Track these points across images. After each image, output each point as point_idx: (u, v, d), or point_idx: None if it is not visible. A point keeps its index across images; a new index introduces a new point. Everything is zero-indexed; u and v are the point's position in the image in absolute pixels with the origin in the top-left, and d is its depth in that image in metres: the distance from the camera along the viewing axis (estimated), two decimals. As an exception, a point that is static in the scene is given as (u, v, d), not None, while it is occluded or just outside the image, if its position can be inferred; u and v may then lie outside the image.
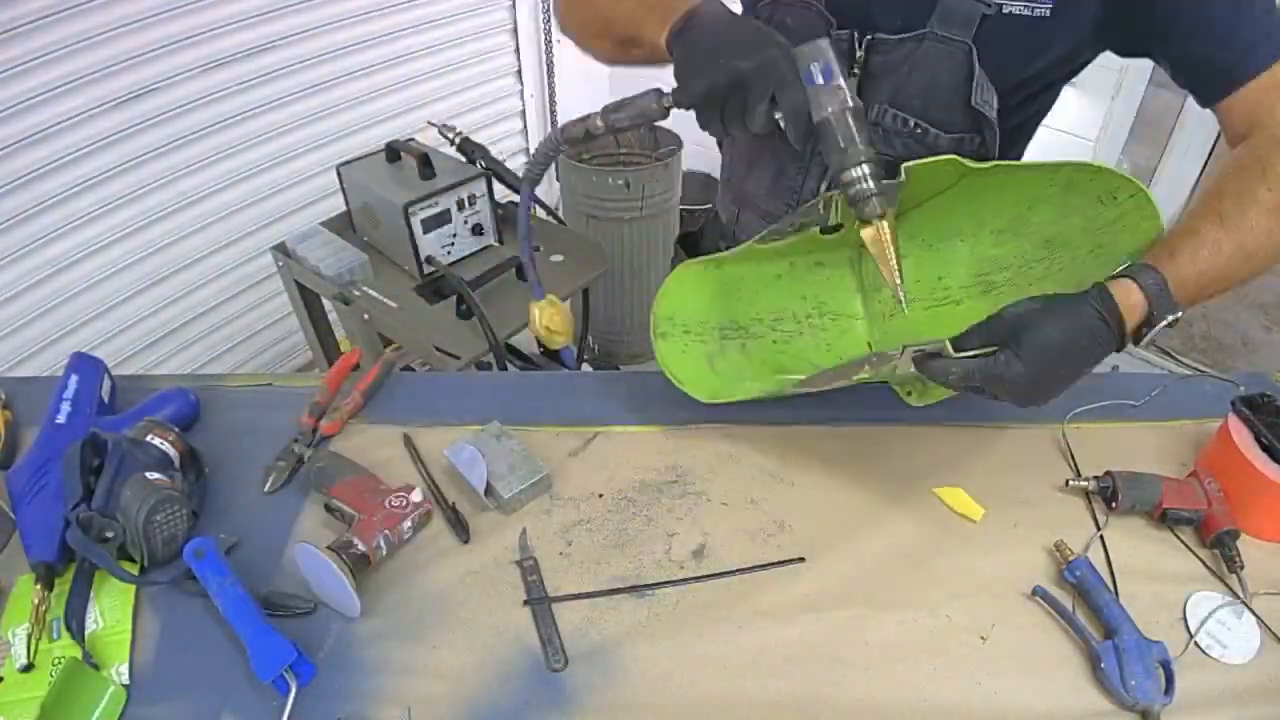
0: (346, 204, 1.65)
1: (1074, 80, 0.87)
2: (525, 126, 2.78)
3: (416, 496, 0.81)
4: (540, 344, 1.83)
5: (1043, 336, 0.62)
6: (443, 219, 1.53)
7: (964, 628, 0.73)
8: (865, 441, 0.92)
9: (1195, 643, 0.71)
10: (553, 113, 2.80)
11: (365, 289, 1.52)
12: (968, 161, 0.73)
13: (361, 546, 0.75)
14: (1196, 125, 1.86)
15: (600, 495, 0.87)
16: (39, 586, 0.71)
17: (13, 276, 1.73)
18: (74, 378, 0.90)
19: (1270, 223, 0.66)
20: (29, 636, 0.68)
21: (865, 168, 0.65)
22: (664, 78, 0.73)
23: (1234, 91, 0.71)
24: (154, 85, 1.78)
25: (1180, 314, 0.64)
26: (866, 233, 0.68)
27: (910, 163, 0.71)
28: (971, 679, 0.69)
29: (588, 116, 0.75)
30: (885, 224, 0.67)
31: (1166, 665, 0.68)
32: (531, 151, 2.83)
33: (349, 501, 0.79)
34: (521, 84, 2.69)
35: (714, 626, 0.73)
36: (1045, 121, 0.93)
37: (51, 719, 0.62)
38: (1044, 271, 0.84)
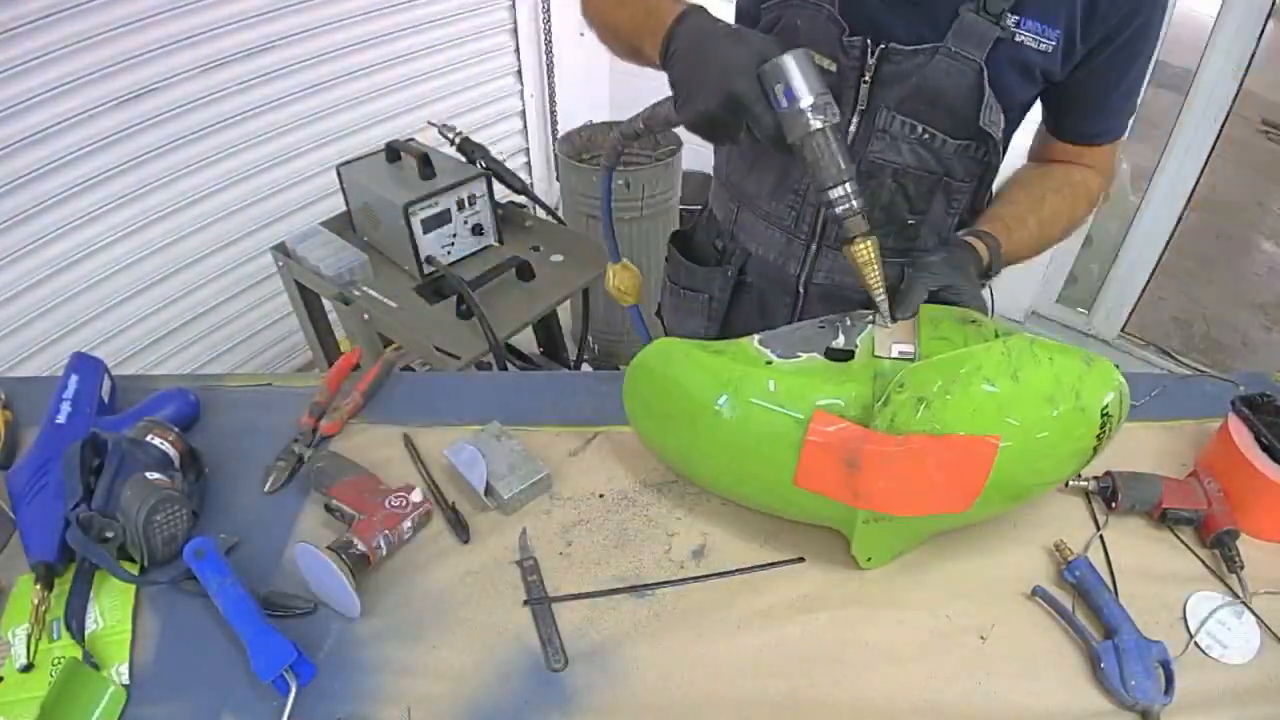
0: (346, 204, 1.65)
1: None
2: (525, 126, 2.78)
3: (416, 496, 0.81)
4: (539, 343, 1.89)
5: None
6: (443, 219, 1.53)
7: (964, 628, 0.73)
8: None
9: (1195, 643, 0.72)
10: (553, 113, 2.80)
11: (365, 289, 1.52)
12: (985, 324, 0.72)
13: (361, 546, 0.75)
14: (1196, 125, 1.87)
15: (600, 495, 0.87)
16: (39, 586, 0.71)
17: (13, 276, 1.73)
18: (74, 378, 0.90)
19: (1065, 224, 0.90)
20: (29, 636, 0.68)
21: (846, 187, 0.66)
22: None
23: (1085, 144, 0.89)
24: (154, 85, 1.78)
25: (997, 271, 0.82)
26: (852, 249, 0.69)
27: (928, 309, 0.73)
28: (971, 679, 0.69)
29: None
30: (871, 240, 0.68)
31: (1166, 665, 0.68)
32: (531, 151, 2.84)
33: (349, 501, 0.79)
34: (521, 84, 2.69)
35: (714, 626, 0.74)
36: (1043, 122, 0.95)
37: (51, 719, 0.62)
38: None
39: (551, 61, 2.68)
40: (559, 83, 2.74)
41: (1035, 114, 0.90)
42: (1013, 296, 2.36)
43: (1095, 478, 0.84)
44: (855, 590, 0.77)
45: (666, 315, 1.18)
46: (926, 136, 0.83)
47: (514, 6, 2.51)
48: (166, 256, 1.99)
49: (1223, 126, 1.84)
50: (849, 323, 0.75)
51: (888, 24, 0.78)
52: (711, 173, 1.07)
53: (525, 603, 0.75)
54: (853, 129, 0.84)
